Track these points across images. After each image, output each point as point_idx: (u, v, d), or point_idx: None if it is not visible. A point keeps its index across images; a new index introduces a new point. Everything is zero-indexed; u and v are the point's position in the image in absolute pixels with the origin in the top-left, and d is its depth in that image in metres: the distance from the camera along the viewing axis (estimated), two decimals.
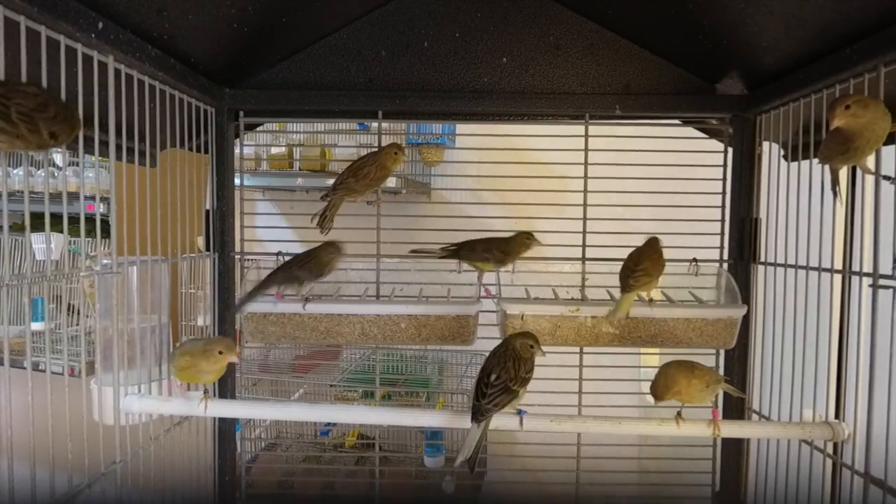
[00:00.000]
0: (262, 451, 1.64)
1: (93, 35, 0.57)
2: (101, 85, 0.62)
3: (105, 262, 0.66)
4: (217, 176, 0.91)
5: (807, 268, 0.79)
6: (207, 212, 0.90)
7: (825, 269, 0.76)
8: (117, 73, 0.64)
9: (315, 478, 1.63)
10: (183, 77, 0.77)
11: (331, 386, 1.91)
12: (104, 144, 0.66)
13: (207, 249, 0.89)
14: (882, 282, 0.70)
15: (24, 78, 0.51)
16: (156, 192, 0.80)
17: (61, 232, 0.61)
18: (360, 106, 0.90)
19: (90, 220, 0.64)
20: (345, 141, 1.91)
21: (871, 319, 0.67)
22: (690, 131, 1.00)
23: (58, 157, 2.15)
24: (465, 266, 0.91)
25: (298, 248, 0.88)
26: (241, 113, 0.93)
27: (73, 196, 1.79)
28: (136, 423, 0.75)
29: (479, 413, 0.68)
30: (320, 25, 0.89)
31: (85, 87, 0.60)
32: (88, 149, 0.62)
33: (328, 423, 1.95)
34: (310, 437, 1.99)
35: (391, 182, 1.81)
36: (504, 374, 0.69)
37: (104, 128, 0.63)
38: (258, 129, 1.20)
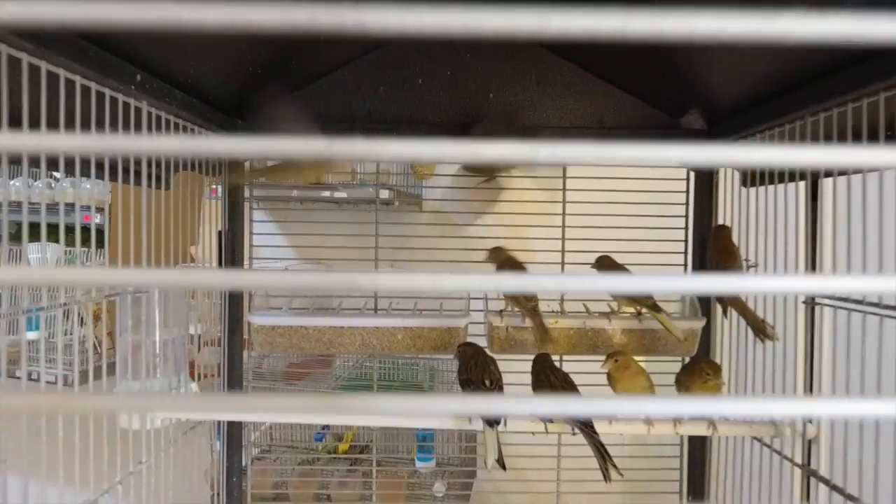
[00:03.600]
0: (256, 457, 1.72)
1: (132, 86, 0.66)
2: (136, 126, 0.71)
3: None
4: (229, 197, 1.00)
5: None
6: (220, 232, 0.99)
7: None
8: (149, 115, 0.73)
9: (309, 480, 1.71)
10: (202, 114, 0.86)
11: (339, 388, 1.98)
12: (135, 173, 0.75)
13: (220, 264, 0.98)
14: (819, 299, 0.80)
15: (78, 129, 0.60)
16: (150, 204, 0.82)
17: (57, 242, 0.61)
18: (359, 135, 0.99)
19: (86, 230, 0.71)
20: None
21: (806, 334, 0.77)
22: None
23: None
24: None
25: (290, 254, 0.96)
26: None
27: (70, 206, 1.85)
28: (158, 426, 0.83)
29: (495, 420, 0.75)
30: (324, 65, 0.99)
31: (124, 128, 0.69)
32: (114, 177, 0.71)
33: (323, 427, 2.02)
34: (304, 443, 2.07)
35: (384, 194, 1.90)
36: (494, 377, 0.78)
37: (137, 162, 0.72)
38: None
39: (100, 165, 0.74)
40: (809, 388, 0.81)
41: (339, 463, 1.94)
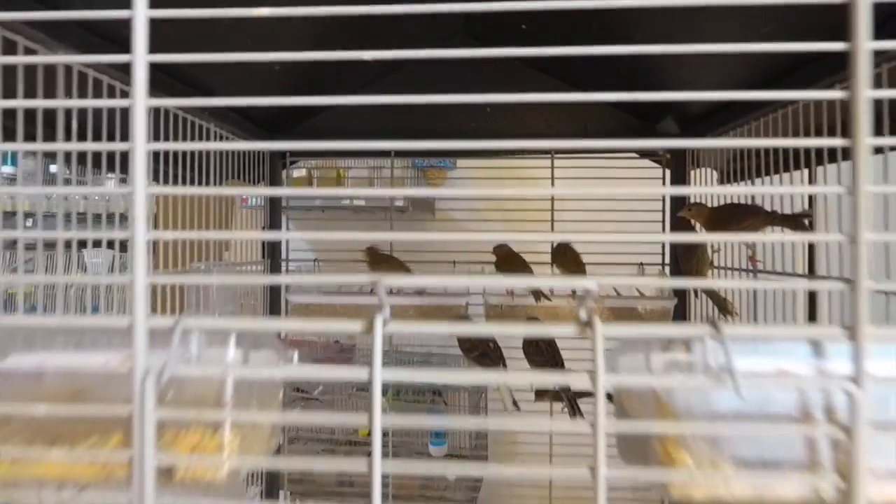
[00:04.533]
0: (288, 445, 1.88)
1: (207, 113, 0.84)
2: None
3: (198, 265, 0.92)
4: (271, 202, 1.18)
5: (724, 268, 1.03)
6: (263, 227, 1.17)
7: (737, 269, 1.00)
8: (215, 133, 0.91)
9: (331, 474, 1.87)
10: (250, 130, 1.03)
11: (356, 391, 2.14)
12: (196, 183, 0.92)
13: (263, 257, 1.15)
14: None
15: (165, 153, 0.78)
16: (193, 210, 0.96)
17: (112, 248, 0.75)
18: (377, 147, 1.17)
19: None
20: (357, 164, 2.18)
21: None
22: (642, 162, 1.25)
23: (110, 182, 2.45)
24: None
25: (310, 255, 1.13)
26: (288, 154, 1.20)
27: (122, 216, 2.06)
28: None
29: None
30: (347, 87, 1.16)
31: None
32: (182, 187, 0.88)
33: None
34: (325, 433, 2.23)
35: (399, 201, 2.07)
36: (494, 343, 0.93)
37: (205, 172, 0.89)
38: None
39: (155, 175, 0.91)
40: None
41: (358, 448, 2.10)
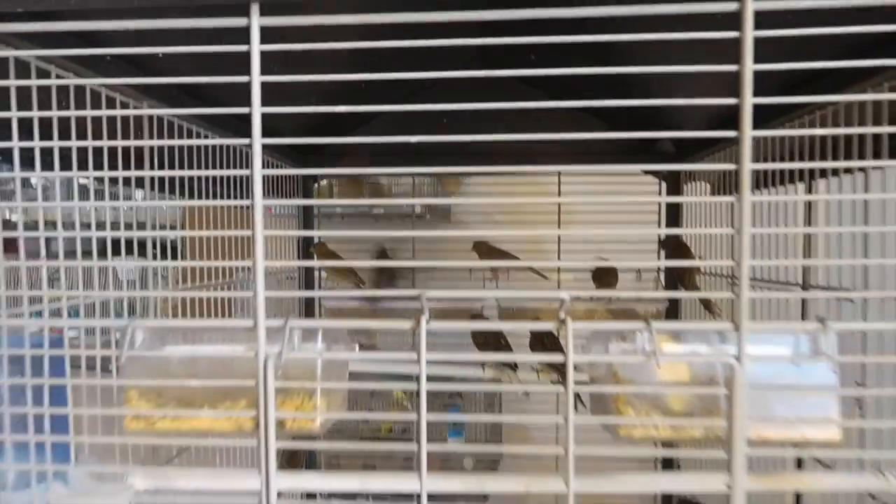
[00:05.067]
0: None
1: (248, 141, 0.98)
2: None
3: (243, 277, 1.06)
4: (304, 211, 1.32)
5: (710, 274, 1.15)
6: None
7: (720, 275, 1.13)
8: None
9: (357, 459, 2.01)
10: (284, 153, 1.18)
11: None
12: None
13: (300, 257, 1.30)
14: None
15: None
16: (220, 219, 1.01)
17: (144, 257, 0.77)
18: (399, 166, 1.30)
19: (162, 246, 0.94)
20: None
21: None
22: (642, 178, 1.37)
23: (138, 193, 2.63)
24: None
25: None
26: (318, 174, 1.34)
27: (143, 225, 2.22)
28: None
29: None
30: (373, 114, 1.30)
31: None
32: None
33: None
34: (351, 425, 2.37)
35: (417, 209, 2.21)
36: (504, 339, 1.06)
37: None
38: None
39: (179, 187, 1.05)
40: None
41: (382, 443, 2.24)
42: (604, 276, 1.18)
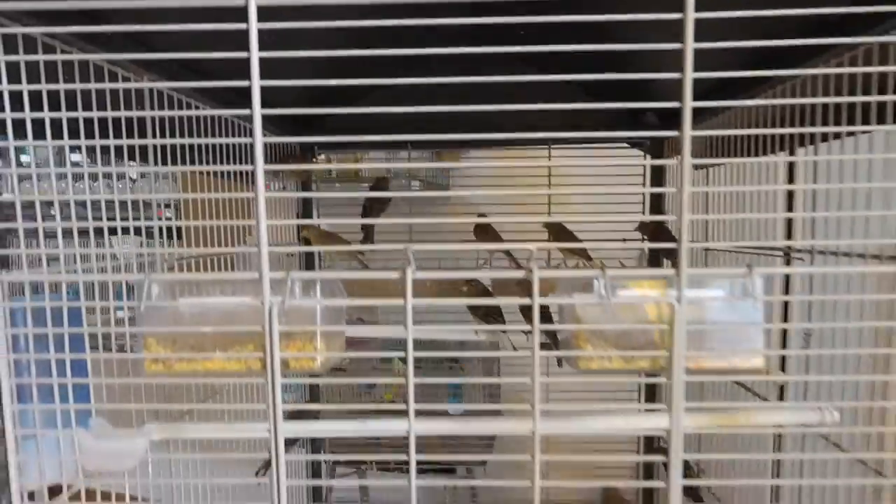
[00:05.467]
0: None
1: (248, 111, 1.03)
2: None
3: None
4: (303, 188, 1.37)
5: (698, 245, 1.21)
6: (297, 213, 1.36)
7: (710, 248, 1.18)
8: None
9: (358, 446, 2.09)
10: (283, 129, 1.22)
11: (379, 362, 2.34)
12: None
13: (298, 241, 1.35)
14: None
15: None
16: (216, 210, 0.98)
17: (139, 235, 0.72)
18: (396, 140, 1.35)
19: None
20: (374, 152, 2.37)
21: None
22: (627, 151, 1.42)
23: (132, 170, 2.67)
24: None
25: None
26: (316, 147, 1.38)
27: (145, 204, 2.27)
28: None
29: None
30: (369, 89, 1.34)
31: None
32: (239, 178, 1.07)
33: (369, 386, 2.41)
34: (353, 397, 2.45)
35: (415, 184, 2.26)
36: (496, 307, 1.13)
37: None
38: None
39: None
40: None
41: (383, 414, 2.31)
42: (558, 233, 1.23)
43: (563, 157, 1.39)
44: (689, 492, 1.10)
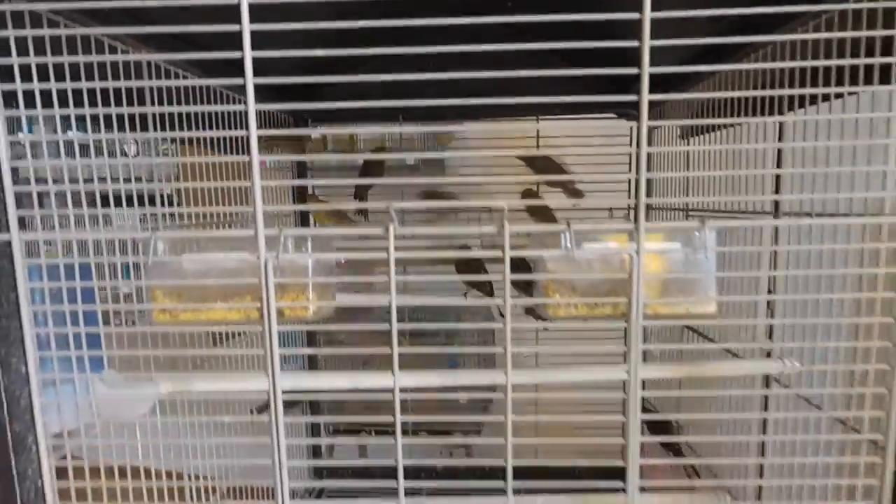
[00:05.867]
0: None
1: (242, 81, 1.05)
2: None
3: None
4: (298, 163, 1.40)
5: (677, 209, 1.25)
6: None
7: (691, 211, 1.22)
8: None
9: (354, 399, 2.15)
10: (267, 97, 1.25)
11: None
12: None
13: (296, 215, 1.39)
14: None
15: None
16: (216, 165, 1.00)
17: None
18: (387, 107, 1.38)
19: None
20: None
21: None
22: (615, 122, 1.45)
23: (132, 148, 2.71)
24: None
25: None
26: (309, 119, 1.41)
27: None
28: None
29: None
30: (361, 61, 1.36)
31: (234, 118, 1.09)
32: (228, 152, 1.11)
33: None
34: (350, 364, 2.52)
35: (410, 160, 2.28)
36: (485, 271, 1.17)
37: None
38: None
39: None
40: None
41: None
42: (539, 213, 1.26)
43: (552, 129, 1.42)
44: (670, 447, 1.16)
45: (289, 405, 0.53)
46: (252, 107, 0.52)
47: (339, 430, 2.14)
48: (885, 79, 0.49)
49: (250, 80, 0.53)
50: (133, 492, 0.59)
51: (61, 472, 0.58)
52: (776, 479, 0.52)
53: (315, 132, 1.56)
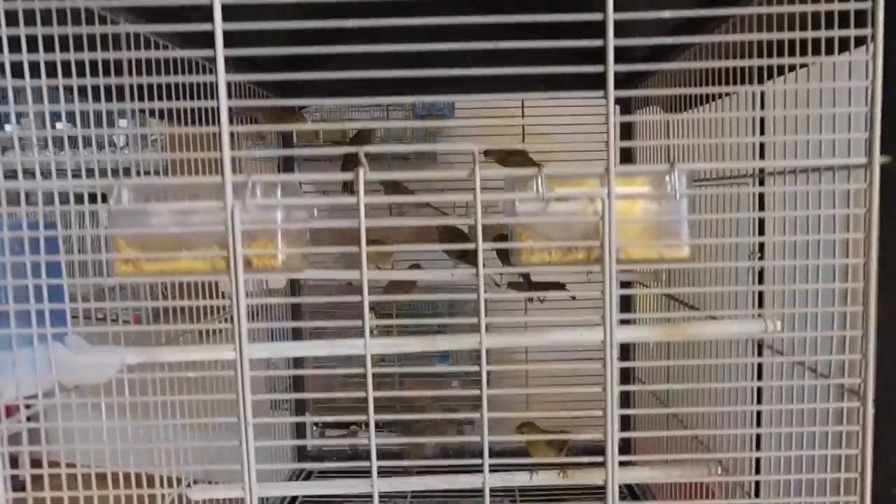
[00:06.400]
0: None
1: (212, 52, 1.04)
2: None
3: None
4: (284, 147, 1.39)
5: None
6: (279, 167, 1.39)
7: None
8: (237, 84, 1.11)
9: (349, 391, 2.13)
10: (265, 87, 1.24)
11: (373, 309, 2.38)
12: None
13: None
14: None
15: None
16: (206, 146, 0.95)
17: None
18: (379, 94, 1.38)
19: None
20: (358, 115, 2.38)
21: None
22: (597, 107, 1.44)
23: (121, 138, 2.67)
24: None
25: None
26: (298, 108, 1.40)
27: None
28: None
29: None
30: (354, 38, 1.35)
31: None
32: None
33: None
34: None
35: (401, 148, 2.27)
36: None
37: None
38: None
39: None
40: None
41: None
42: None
43: (536, 116, 1.42)
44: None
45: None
46: (223, 78, 0.51)
47: (328, 425, 2.12)
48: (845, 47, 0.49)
49: (220, 51, 0.51)
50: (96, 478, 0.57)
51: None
52: (768, 452, 0.51)
53: (289, 103, 1.52)
